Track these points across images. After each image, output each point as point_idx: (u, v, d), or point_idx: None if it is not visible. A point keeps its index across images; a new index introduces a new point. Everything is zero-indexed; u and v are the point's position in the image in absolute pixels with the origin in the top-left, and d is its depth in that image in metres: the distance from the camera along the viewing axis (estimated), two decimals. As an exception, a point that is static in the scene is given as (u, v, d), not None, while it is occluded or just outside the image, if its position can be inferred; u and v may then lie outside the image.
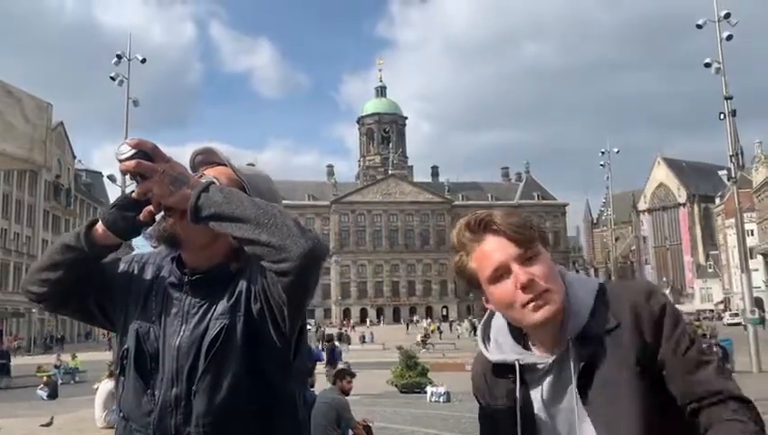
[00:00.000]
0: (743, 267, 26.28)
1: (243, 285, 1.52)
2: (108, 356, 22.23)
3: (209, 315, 1.51)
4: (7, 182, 61.02)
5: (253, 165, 1.95)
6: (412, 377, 18.22)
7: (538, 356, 1.40)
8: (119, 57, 30.31)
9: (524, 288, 1.31)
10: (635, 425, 1.26)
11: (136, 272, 1.67)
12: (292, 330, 1.49)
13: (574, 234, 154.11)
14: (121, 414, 1.57)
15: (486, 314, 1.52)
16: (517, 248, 1.33)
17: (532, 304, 1.32)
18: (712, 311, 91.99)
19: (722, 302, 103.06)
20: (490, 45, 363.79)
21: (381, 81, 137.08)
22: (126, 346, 1.56)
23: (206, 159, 1.64)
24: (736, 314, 56.65)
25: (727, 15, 25.64)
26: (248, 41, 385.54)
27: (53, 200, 69.35)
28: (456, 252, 1.42)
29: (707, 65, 25.70)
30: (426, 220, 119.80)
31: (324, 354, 19.36)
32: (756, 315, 24.94)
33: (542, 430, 1.39)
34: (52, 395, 19.69)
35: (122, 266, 1.69)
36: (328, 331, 46.49)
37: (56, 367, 25.84)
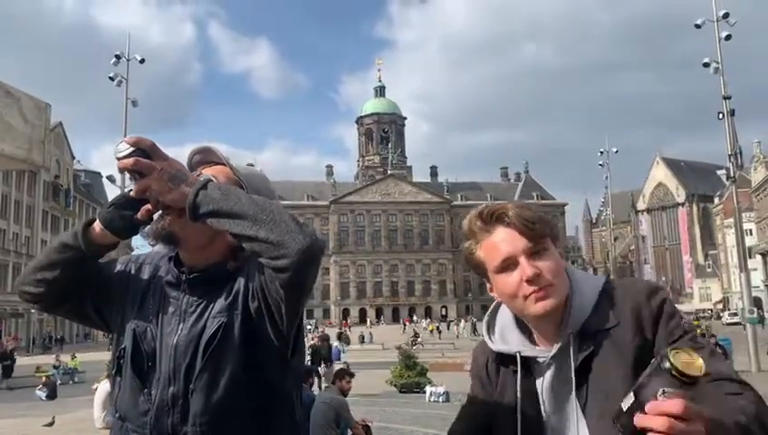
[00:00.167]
0: (741, 267, 26.30)
1: (240, 283, 1.52)
2: (108, 357, 22.17)
3: (207, 314, 1.51)
4: (6, 183, 60.94)
5: (252, 165, 1.96)
6: (411, 377, 18.20)
7: (539, 350, 1.42)
8: (117, 57, 30.32)
9: (530, 281, 1.34)
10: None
11: (133, 272, 1.67)
12: (289, 328, 1.49)
13: (573, 234, 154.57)
14: (117, 414, 1.56)
15: (492, 305, 1.55)
16: (527, 242, 1.35)
17: (534, 296, 1.34)
18: (711, 310, 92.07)
19: (721, 301, 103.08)
20: (489, 45, 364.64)
21: (380, 81, 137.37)
22: (123, 346, 1.56)
23: (204, 158, 1.64)
24: (735, 314, 56.76)
25: (726, 15, 25.68)
26: (247, 41, 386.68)
27: (52, 201, 69.25)
28: (467, 239, 1.45)
29: (706, 65, 25.73)
30: (425, 220, 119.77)
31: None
32: (755, 315, 24.99)
33: (541, 423, 1.40)
34: (51, 395, 19.67)
35: (119, 267, 1.69)
36: (327, 331, 46.51)
37: (55, 367, 25.80)
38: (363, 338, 51.63)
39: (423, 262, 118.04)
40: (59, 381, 22.94)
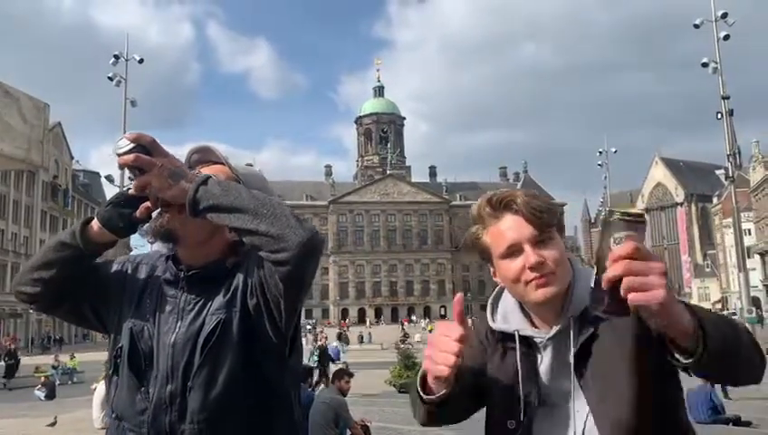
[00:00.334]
0: (740, 267, 26.33)
1: (239, 280, 1.52)
2: (106, 357, 22.14)
3: (205, 311, 1.51)
4: (5, 183, 60.86)
5: (251, 165, 1.96)
6: (411, 377, 18.15)
7: (537, 331, 1.45)
8: (116, 57, 30.25)
9: (532, 268, 1.37)
10: (625, 400, 1.30)
11: (129, 272, 1.67)
12: (288, 325, 1.50)
13: (572, 233, 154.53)
14: (114, 414, 1.55)
15: (496, 289, 1.58)
16: (532, 230, 1.38)
17: (535, 283, 1.37)
18: (710, 310, 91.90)
19: (719, 301, 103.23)
20: (488, 45, 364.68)
21: (379, 81, 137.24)
22: (120, 345, 1.55)
23: (203, 157, 1.64)
24: (734, 314, 56.73)
25: (724, 15, 25.69)
26: (246, 41, 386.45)
27: (51, 201, 69.17)
28: (474, 223, 1.48)
29: (704, 65, 25.75)
30: (424, 220, 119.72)
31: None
32: (754, 314, 25.02)
33: (537, 402, 1.42)
34: (50, 396, 19.65)
35: (115, 267, 1.69)
36: (326, 331, 46.49)
37: (54, 368, 25.78)
38: (362, 338, 51.64)
39: (422, 262, 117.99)
40: (58, 382, 22.92)
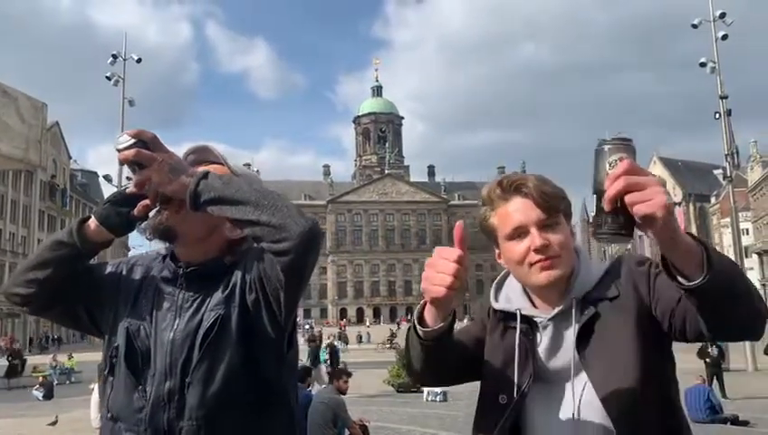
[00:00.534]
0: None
1: (237, 276, 1.52)
2: (104, 357, 22.12)
3: (204, 308, 1.51)
4: (2, 182, 60.75)
5: (248, 165, 1.96)
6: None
7: (538, 311, 1.47)
8: (114, 57, 30.24)
9: (537, 250, 1.38)
10: (629, 378, 1.32)
11: (124, 273, 1.66)
12: (287, 319, 1.50)
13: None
14: (109, 415, 1.54)
15: (501, 274, 1.61)
16: (540, 213, 1.40)
17: (539, 265, 1.39)
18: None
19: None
20: (486, 45, 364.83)
21: (377, 80, 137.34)
22: (116, 345, 1.55)
23: (200, 157, 1.63)
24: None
25: (722, 15, 25.71)
26: (244, 41, 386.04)
27: (49, 200, 69.08)
28: (483, 205, 1.50)
29: (702, 65, 25.75)
30: (422, 220, 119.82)
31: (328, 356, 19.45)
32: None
33: (531, 380, 1.43)
34: (48, 396, 19.61)
35: (110, 269, 1.69)
36: (325, 330, 46.47)
37: (52, 367, 25.75)
38: (361, 338, 51.66)
39: (420, 261, 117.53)
40: (56, 382, 22.88)
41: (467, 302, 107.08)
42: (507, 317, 1.51)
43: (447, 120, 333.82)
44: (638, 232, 1.14)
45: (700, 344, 16.76)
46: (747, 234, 77.60)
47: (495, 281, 1.61)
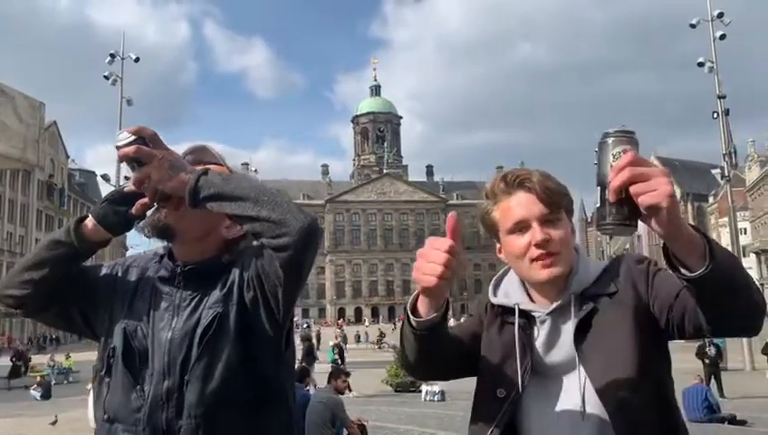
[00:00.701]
0: (736, 266, 26.34)
1: (235, 274, 1.52)
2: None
3: (202, 306, 1.51)
4: (0, 182, 60.70)
5: (247, 164, 1.96)
6: (407, 376, 18.19)
7: (537, 305, 1.48)
8: (112, 56, 30.22)
9: (538, 245, 1.39)
10: (627, 373, 1.33)
11: (120, 274, 1.66)
12: (285, 317, 1.50)
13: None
14: (106, 416, 1.52)
15: (501, 271, 1.61)
16: (542, 208, 1.41)
17: (540, 262, 1.40)
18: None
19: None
20: (483, 45, 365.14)
21: (376, 80, 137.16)
22: (112, 345, 1.54)
23: (198, 157, 1.63)
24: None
25: (720, 15, 25.74)
26: (242, 40, 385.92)
27: (47, 200, 69.02)
28: (486, 198, 1.51)
29: (700, 64, 25.78)
30: (420, 219, 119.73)
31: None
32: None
33: (529, 374, 1.43)
34: (46, 395, 19.59)
35: (105, 271, 1.68)
36: (323, 330, 46.46)
37: (50, 367, 25.71)
38: (359, 337, 51.63)
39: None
40: (53, 381, 22.88)
41: (465, 301, 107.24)
42: (505, 312, 1.51)
43: (445, 119, 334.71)
44: (640, 227, 1.13)
45: (698, 344, 16.79)
46: (745, 233, 77.68)
47: (495, 277, 1.62)
